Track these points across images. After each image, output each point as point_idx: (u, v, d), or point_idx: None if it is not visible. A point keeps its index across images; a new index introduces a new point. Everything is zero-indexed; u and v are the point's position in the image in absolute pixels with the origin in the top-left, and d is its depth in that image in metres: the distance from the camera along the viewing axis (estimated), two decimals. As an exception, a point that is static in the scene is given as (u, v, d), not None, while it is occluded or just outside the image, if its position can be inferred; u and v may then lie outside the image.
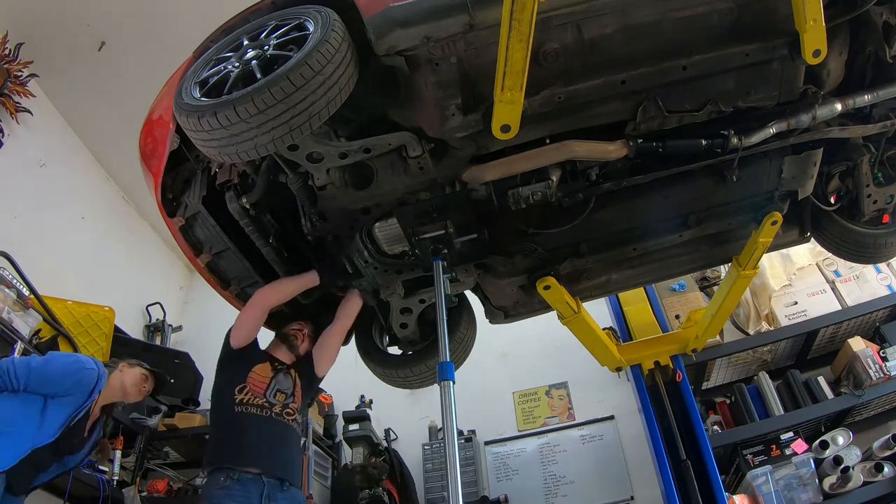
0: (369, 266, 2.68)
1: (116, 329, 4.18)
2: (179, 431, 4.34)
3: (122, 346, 4.18)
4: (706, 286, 4.48)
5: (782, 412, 3.86)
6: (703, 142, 2.28)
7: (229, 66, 1.99)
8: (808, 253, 4.26)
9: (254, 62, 1.95)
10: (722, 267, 4.10)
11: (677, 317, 4.14)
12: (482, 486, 4.68)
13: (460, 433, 4.58)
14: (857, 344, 3.89)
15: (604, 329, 3.54)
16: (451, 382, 2.03)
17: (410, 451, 4.90)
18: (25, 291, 3.58)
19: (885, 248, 2.87)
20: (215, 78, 1.99)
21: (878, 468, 3.44)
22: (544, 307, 2.98)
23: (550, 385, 5.18)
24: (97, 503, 3.51)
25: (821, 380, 3.92)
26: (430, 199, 2.41)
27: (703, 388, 4.35)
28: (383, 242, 2.61)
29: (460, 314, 3.04)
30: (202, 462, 2.80)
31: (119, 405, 3.08)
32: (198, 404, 4.64)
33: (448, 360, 2.10)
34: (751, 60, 2.15)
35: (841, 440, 3.60)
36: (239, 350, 2.82)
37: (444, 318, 2.26)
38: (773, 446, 3.71)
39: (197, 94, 1.96)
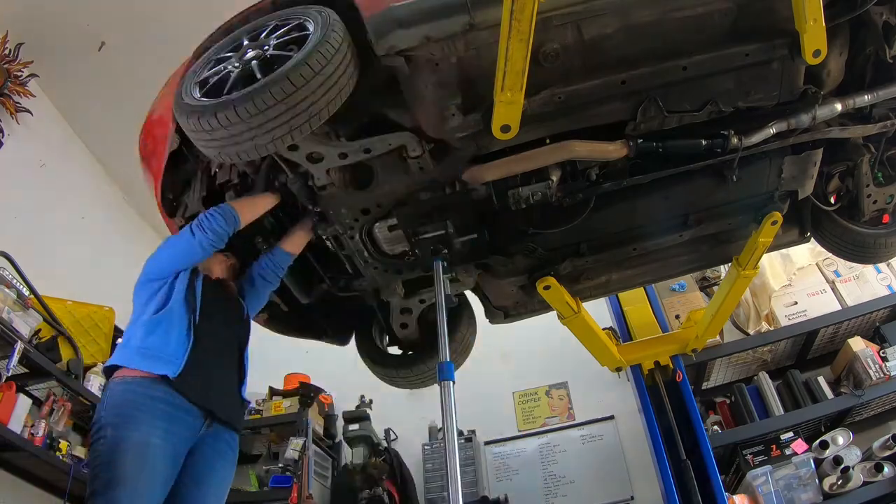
0: (369, 266, 2.68)
1: (116, 329, 4.18)
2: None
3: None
4: (706, 286, 4.48)
5: (782, 412, 3.86)
6: (703, 142, 2.28)
7: (229, 66, 1.99)
8: (808, 253, 4.26)
9: (254, 62, 1.95)
10: (722, 267, 4.10)
11: (677, 317, 4.14)
12: (482, 486, 4.68)
13: (460, 433, 4.58)
14: (857, 344, 3.89)
15: (604, 329, 3.54)
16: (451, 382, 2.03)
17: (410, 451, 4.90)
18: (25, 291, 3.57)
19: (885, 248, 2.87)
20: (215, 78, 1.99)
21: (878, 468, 3.45)
22: (544, 307, 2.98)
23: (550, 385, 5.19)
24: (97, 503, 3.50)
25: (821, 380, 3.92)
26: (430, 199, 2.41)
27: (703, 388, 4.35)
28: (383, 242, 2.61)
29: (460, 314, 3.04)
30: None
31: None
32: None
33: (448, 360, 2.10)
34: (751, 60, 2.14)
35: (841, 440, 3.60)
36: None
37: (444, 318, 2.26)
38: (773, 446, 3.71)
39: (197, 94, 1.96)
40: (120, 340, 2.36)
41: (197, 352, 2.26)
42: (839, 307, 4.12)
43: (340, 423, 4.95)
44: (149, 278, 2.40)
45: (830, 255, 3.65)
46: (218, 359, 2.41)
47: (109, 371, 2.26)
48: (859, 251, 2.91)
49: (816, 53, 2.06)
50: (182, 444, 2.20)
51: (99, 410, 2.15)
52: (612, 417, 4.87)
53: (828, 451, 3.57)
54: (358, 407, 4.90)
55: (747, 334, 4.19)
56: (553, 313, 3.00)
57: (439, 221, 2.42)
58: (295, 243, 2.65)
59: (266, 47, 2.00)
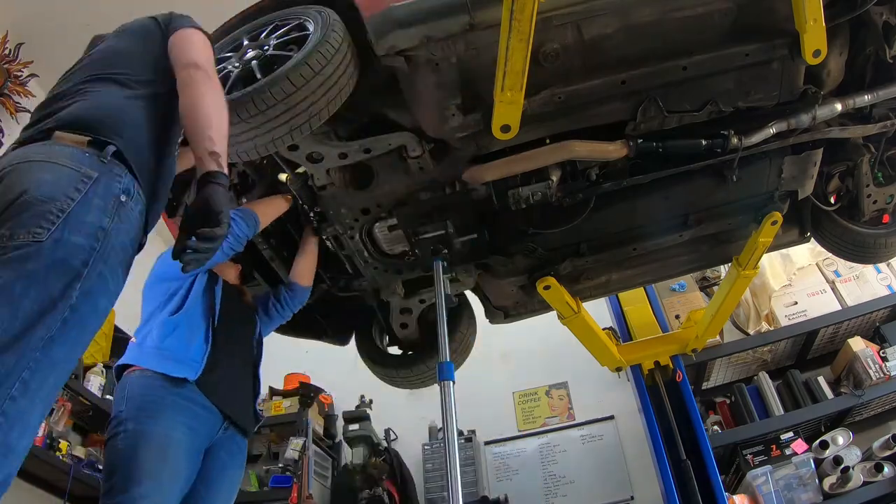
0: (369, 266, 2.68)
1: (116, 329, 4.18)
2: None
3: (122, 346, 4.17)
4: (706, 286, 4.47)
5: (782, 412, 3.85)
6: (703, 142, 2.28)
7: (229, 66, 2.00)
8: (808, 253, 4.26)
9: (254, 62, 1.96)
10: (722, 267, 4.09)
11: (677, 317, 4.13)
12: (482, 486, 4.67)
13: (460, 433, 4.57)
14: (857, 344, 3.89)
15: (604, 329, 3.53)
16: (451, 382, 2.03)
17: (410, 451, 4.89)
18: (25, 291, 3.57)
19: (885, 248, 2.87)
20: (215, 78, 1.99)
21: (878, 468, 3.44)
22: (544, 307, 2.98)
23: (550, 385, 5.18)
24: (97, 503, 3.50)
25: (821, 380, 3.92)
26: (430, 199, 2.41)
27: (703, 388, 4.35)
28: (383, 242, 2.62)
29: (460, 314, 3.04)
30: None
31: None
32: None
33: (448, 360, 2.10)
34: (751, 60, 2.15)
35: (841, 440, 3.60)
36: None
37: (444, 318, 2.26)
38: (773, 446, 3.71)
39: (197, 94, 1.96)
40: (133, 340, 2.27)
41: (215, 356, 2.20)
42: (839, 307, 4.11)
43: (340, 423, 4.95)
44: (162, 278, 2.34)
45: (830, 255, 3.65)
46: (235, 367, 2.35)
47: (120, 370, 2.18)
48: (859, 251, 2.91)
49: (816, 53, 2.06)
50: (202, 442, 2.14)
51: (118, 405, 2.06)
52: (612, 417, 4.86)
53: (828, 451, 3.57)
54: (358, 407, 4.90)
55: (747, 334, 4.19)
56: (553, 313, 3.00)
57: (439, 221, 2.42)
58: (307, 274, 2.65)
59: (266, 47, 2.01)
